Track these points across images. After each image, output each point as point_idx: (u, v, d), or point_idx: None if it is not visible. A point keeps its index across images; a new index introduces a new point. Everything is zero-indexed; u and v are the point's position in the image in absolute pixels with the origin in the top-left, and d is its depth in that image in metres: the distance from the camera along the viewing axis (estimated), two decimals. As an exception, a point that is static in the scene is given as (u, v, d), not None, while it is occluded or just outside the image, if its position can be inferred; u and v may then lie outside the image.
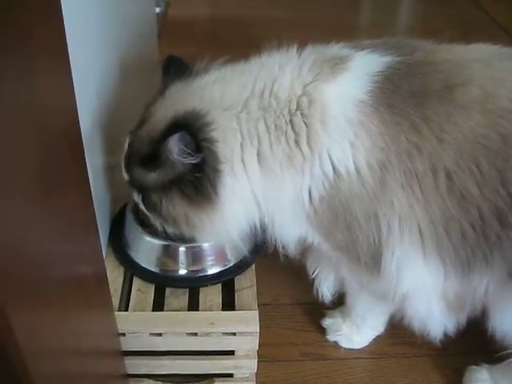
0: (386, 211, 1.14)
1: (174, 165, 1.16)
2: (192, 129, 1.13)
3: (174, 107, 1.19)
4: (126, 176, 1.29)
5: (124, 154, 1.28)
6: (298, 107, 1.13)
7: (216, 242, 1.34)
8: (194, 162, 1.14)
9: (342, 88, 1.14)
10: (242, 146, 1.16)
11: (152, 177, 1.21)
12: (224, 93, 1.18)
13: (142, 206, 1.30)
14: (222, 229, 1.25)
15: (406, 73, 1.13)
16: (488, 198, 1.09)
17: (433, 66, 1.14)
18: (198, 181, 1.16)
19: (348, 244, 1.21)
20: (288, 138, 1.13)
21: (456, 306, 1.27)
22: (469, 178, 1.09)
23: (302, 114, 1.12)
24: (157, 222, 1.32)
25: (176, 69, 1.29)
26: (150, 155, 1.19)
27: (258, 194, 1.19)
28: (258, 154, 1.15)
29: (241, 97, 1.17)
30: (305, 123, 1.12)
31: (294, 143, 1.13)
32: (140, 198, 1.28)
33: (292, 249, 1.30)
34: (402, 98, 1.10)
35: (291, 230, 1.25)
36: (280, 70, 1.17)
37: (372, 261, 1.21)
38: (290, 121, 1.13)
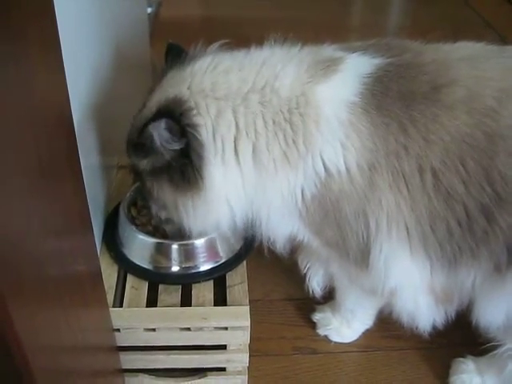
0: (375, 210, 1.16)
1: (161, 152, 1.18)
2: (174, 115, 1.15)
3: (162, 95, 1.21)
4: (128, 161, 1.32)
5: (126, 139, 1.30)
6: (297, 106, 1.15)
7: (203, 231, 1.35)
8: (177, 147, 1.16)
9: (334, 90, 1.16)
10: (236, 137, 1.17)
11: (143, 163, 1.24)
12: (218, 82, 1.19)
13: (142, 192, 1.33)
14: (207, 217, 1.26)
15: (395, 74, 1.15)
16: (474, 196, 1.11)
17: (420, 67, 1.16)
18: (185, 167, 1.18)
19: (338, 240, 1.23)
20: (286, 135, 1.15)
21: (443, 300, 1.30)
22: (455, 176, 1.11)
23: (299, 113, 1.14)
24: (155, 209, 1.34)
25: (174, 56, 1.30)
26: (138, 142, 1.21)
27: (249, 188, 1.20)
28: (254, 149, 1.17)
29: (240, 90, 1.17)
30: (302, 122, 1.14)
31: (292, 142, 1.15)
32: (139, 182, 1.32)
33: (281, 245, 1.32)
34: (391, 99, 1.13)
35: (282, 226, 1.26)
36: (282, 68, 1.19)
37: (361, 257, 1.23)
38: (290, 119, 1.15)
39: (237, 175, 1.19)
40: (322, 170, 1.15)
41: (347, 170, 1.14)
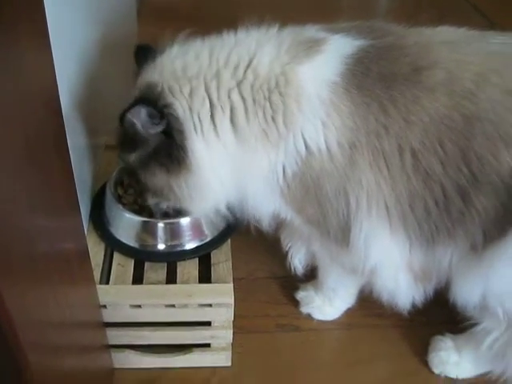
0: (355, 188, 1.18)
1: (146, 138, 1.21)
2: (149, 99, 1.18)
3: (136, 87, 1.24)
4: (120, 163, 1.35)
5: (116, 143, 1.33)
6: (277, 85, 1.17)
7: (204, 210, 1.37)
8: (160, 129, 1.19)
9: (316, 70, 1.18)
10: (212, 112, 1.20)
11: (133, 157, 1.26)
12: (188, 64, 1.21)
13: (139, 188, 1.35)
14: (204, 195, 1.28)
15: (376, 56, 1.17)
16: (451, 176, 1.14)
17: (402, 49, 1.18)
18: (170, 147, 1.21)
19: (319, 218, 1.25)
20: (266, 113, 1.17)
21: (422, 278, 1.33)
22: (433, 157, 1.13)
23: (279, 93, 1.16)
24: (153, 202, 1.37)
25: (145, 56, 1.32)
26: (123, 137, 1.25)
27: (234, 162, 1.23)
28: (232, 122, 1.19)
29: (211, 67, 1.20)
30: (282, 102, 1.16)
31: (271, 119, 1.17)
32: (134, 180, 1.33)
33: (266, 223, 1.35)
34: (372, 80, 1.15)
35: (265, 204, 1.29)
36: (258, 47, 1.21)
37: (341, 235, 1.26)
38: (269, 97, 1.17)
39: (219, 148, 1.21)
40: (303, 148, 1.17)
41: (328, 148, 1.16)
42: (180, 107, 1.19)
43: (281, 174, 1.21)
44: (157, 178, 1.26)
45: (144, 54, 1.33)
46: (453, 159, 1.13)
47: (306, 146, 1.17)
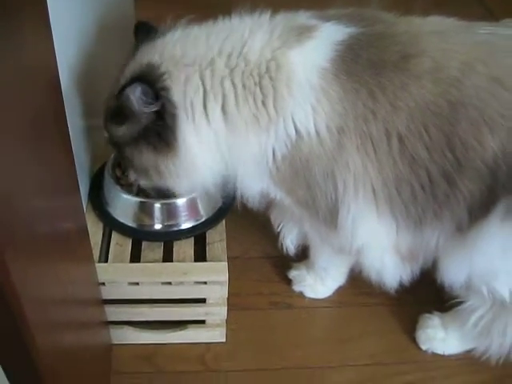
0: (342, 171, 1.22)
1: (139, 115, 1.23)
2: (149, 79, 1.20)
3: (136, 65, 1.26)
4: (105, 134, 1.36)
5: (103, 113, 1.35)
6: (267, 71, 1.19)
7: (189, 190, 1.41)
8: (154, 109, 1.21)
9: (306, 55, 1.20)
10: (204, 99, 1.22)
11: (122, 131, 1.28)
12: (186, 50, 1.24)
13: (122, 163, 1.38)
14: (190, 175, 1.31)
15: (366, 43, 1.20)
16: (436, 161, 1.18)
17: (391, 37, 1.21)
18: (161, 128, 1.23)
19: (308, 200, 1.29)
20: (256, 98, 1.20)
21: (409, 258, 1.37)
22: (419, 142, 1.17)
23: (270, 77, 1.19)
24: (133, 177, 1.40)
25: (145, 33, 1.34)
26: (115, 110, 1.27)
27: (223, 147, 1.26)
28: (223, 110, 1.22)
29: (206, 56, 1.22)
30: (272, 86, 1.19)
31: (262, 104, 1.20)
32: (118, 153, 1.36)
33: (256, 202, 1.38)
34: (361, 66, 1.18)
35: (254, 184, 1.32)
36: (250, 35, 1.23)
37: (330, 216, 1.30)
38: (259, 82, 1.20)
39: (209, 135, 1.24)
40: (293, 131, 1.20)
41: (317, 132, 1.20)
42: (176, 92, 1.22)
43: (271, 156, 1.24)
44: (143, 156, 1.29)
45: (144, 30, 1.35)
46: (438, 144, 1.17)
47: (296, 130, 1.20)
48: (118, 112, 1.26)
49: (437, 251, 1.34)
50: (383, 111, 1.17)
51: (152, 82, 1.21)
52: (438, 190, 1.20)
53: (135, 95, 1.20)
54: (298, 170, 1.24)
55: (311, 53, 1.21)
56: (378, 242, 1.33)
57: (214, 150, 1.27)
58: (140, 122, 1.24)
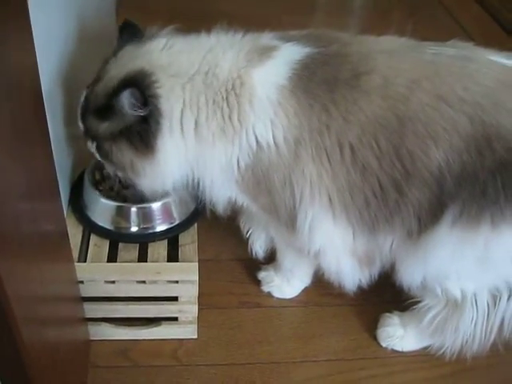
0: (299, 179, 1.30)
1: (125, 117, 1.29)
2: (141, 85, 1.27)
3: (125, 67, 1.32)
4: (81, 126, 1.41)
5: (80, 106, 1.40)
6: (233, 87, 1.28)
7: (152, 189, 1.44)
8: (142, 114, 1.28)
9: (266, 74, 1.29)
10: (182, 111, 1.30)
11: (104, 126, 1.33)
12: (172, 61, 1.31)
13: (96, 154, 1.42)
14: (158, 177, 1.37)
15: (321, 62, 1.28)
16: (386, 170, 1.27)
17: (345, 57, 1.30)
18: (144, 131, 1.29)
19: (270, 206, 1.38)
20: (223, 113, 1.29)
21: (366, 262, 1.46)
22: (369, 152, 1.26)
23: (235, 94, 1.28)
24: (110, 169, 1.45)
25: (130, 33, 1.40)
26: (103, 107, 1.32)
27: (190, 157, 1.33)
28: (196, 123, 1.30)
29: (188, 71, 1.30)
30: (237, 101, 1.28)
31: (228, 118, 1.28)
32: (94, 146, 1.40)
33: (221, 208, 1.46)
34: (316, 84, 1.27)
35: (222, 191, 1.40)
36: (223, 55, 1.31)
37: (290, 221, 1.38)
38: (226, 98, 1.28)
39: (180, 144, 1.32)
40: (254, 143, 1.29)
41: (275, 143, 1.28)
42: (163, 101, 1.28)
43: (235, 166, 1.32)
44: (122, 153, 1.34)
45: (130, 31, 1.41)
46: (387, 155, 1.25)
47: (257, 141, 1.29)
48: (105, 110, 1.31)
49: (392, 255, 1.42)
50: (336, 124, 1.26)
51: (144, 88, 1.27)
52: (389, 198, 1.29)
53: (128, 99, 1.26)
54: (260, 178, 1.33)
55: (271, 71, 1.29)
56: (334, 245, 1.41)
57: (183, 160, 1.34)
58: (124, 122, 1.30)
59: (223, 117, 1.29)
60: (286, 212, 1.37)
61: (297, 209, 1.35)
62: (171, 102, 1.29)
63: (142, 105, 1.26)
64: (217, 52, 1.32)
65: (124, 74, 1.30)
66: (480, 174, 1.23)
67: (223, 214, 1.49)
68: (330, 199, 1.32)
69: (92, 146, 1.41)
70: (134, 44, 1.38)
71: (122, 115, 1.29)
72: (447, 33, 2.97)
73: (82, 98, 1.39)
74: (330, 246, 1.41)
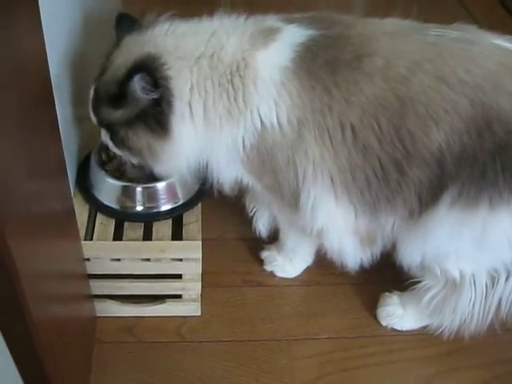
0: (302, 159, 1.33)
1: (138, 101, 1.31)
2: (150, 69, 1.29)
3: (131, 54, 1.34)
4: (94, 118, 1.43)
5: (91, 99, 1.42)
6: (238, 70, 1.30)
7: (168, 173, 1.50)
8: (154, 97, 1.30)
9: (270, 55, 1.31)
10: (191, 92, 1.32)
11: (119, 114, 1.35)
12: (177, 44, 1.33)
13: (110, 144, 1.44)
14: (175, 159, 1.40)
15: (323, 44, 1.30)
16: (387, 151, 1.29)
17: (347, 39, 1.31)
18: (158, 113, 1.32)
19: (274, 185, 1.40)
20: (229, 95, 1.31)
21: (368, 241, 1.48)
22: (370, 133, 1.28)
23: (240, 76, 1.30)
24: (124, 156, 1.47)
25: (127, 24, 1.42)
26: (116, 95, 1.34)
27: (200, 139, 1.36)
28: (204, 106, 1.32)
29: (194, 53, 1.32)
30: (241, 83, 1.30)
31: (234, 100, 1.31)
32: (108, 135, 1.42)
33: (228, 187, 1.48)
34: (318, 65, 1.28)
35: (228, 171, 1.43)
36: (227, 38, 1.33)
37: (293, 201, 1.41)
38: (231, 80, 1.31)
39: (191, 127, 1.34)
40: (259, 123, 1.31)
41: (279, 123, 1.30)
42: (174, 82, 1.30)
43: (241, 145, 1.35)
44: (139, 137, 1.36)
45: (125, 22, 1.43)
46: (388, 135, 1.27)
47: (261, 122, 1.31)
48: (117, 97, 1.33)
49: (393, 235, 1.44)
50: (338, 105, 1.28)
51: (154, 71, 1.29)
52: (390, 178, 1.31)
53: (140, 84, 1.28)
54: (264, 158, 1.35)
55: (274, 53, 1.31)
56: (336, 224, 1.43)
57: (194, 142, 1.37)
58: (137, 107, 1.32)
59: (229, 99, 1.31)
60: (289, 191, 1.40)
61: (300, 188, 1.37)
62: (181, 83, 1.31)
63: (153, 88, 1.28)
64: (221, 35, 1.34)
65: (132, 60, 1.32)
66: (479, 155, 1.24)
67: (230, 193, 1.52)
68: (331, 179, 1.34)
69: (106, 136, 1.44)
70: (135, 33, 1.39)
71: (135, 100, 1.31)
72: (452, 16, 2.97)
73: (92, 91, 1.41)
74: (332, 225, 1.43)
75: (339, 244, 1.49)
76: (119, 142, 1.41)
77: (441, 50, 1.30)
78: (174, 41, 1.34)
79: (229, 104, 1.32)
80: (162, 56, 1.31)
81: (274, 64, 1.30)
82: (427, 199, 1.33)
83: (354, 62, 1.28)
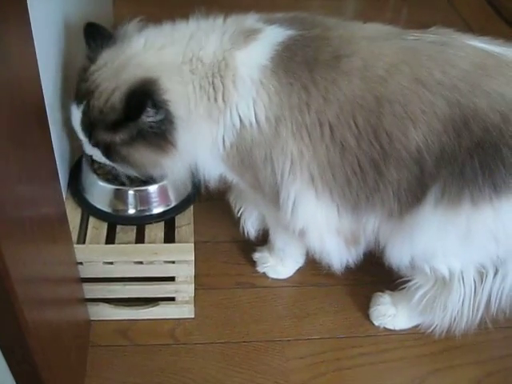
0: (279, 156, 1.34)
1: (140, 123, 1.30)
2: (151, 95, 1.28)
3: (120, 76, 1.32)
4: (85, 139, 1.40)
5: (80, 123, 1.37)
6: (218, 70, 1.32)
7: (172, 179, 1.50)
8: (157, 119, 1.29)
9: (249, 55, 1.33)
10: (188, 103, 1.32)
11: (118, 136, 1.34)
12: (161, 59, 1.33)
13: (106, 161, 1.42)
14: (179, 166, 1.40)
15: (302, 44, 1.32)
16: (364, 150, 1.30)
17: (326, 40, 1.33)
18: (161, 132, 1.31)
19: (255, 182, 1.42)
20: (209, 96, 1.32)
21: (352, 241, 1.50)
22: (348, 131, 1.29)
23: (220, 76, 1.32)
24: (122, 169, 1.45)
25: (97, 35, 1.39)
26: (117, 121, 1.32)
27: (186, 141, 1.35)
28: (188, 111, 1.33)
29: (174, 63, 1.33)
30: (221, 83, 1.32)
31: (214, 100, 1.32)
32: (105, 155, 1.39)
33: (213, 185, 1.49)
34: (296, 64, 1.30)
35: (213, 169, 1.44)
36: (206, 40, 1.34)
37: (274, 198, 1.42)
38: (212, 82, 1.32)
39: (189, 134, 1.35)
40: (238, 121, 1.33)
41: (257, 121, 1.32)
42: (173, 103, 1.30)
43: (221, 144, 1.36)
44: (140, 154, 1.35)
45: (94, 32, 1.40)
46: (365, 134, 1.29)
47: (240, 120, 1.33)
48: (120, 123, 1.31)
49: (376, 235, 1.46)
50: (316, 103, 1.29)
51: (153, 95, 1.28)
52: (368, 177, 1.32)
53: (147, 111, 1.28)
54: (244, 156, 1.37)
55: (254, 52, 1.33)
56: (317, 223, 1.44)
57: (192, 145, 1.37)
58: (139, 128, 1.31)
59: (209, 100, 1.33)
60: (269, 189, 1.41)
61: (278, 185, 1.39)
62: (177, 99, 1.31)
63: (156, 110, 1.28)
64: (199, 38, 1.35)
65: (126, 86, 1.30)
66: (458, 154, 1.26)
67: (218, 189, 1.53)
68: (311, 176, 1.35)
69: (98, 153, 1.41)
70: (110, 48, 1.37)
71: (138, 123, 1.31)
72: (442, 16, 3.00)
73: (79, 114, 1.37)
74: (313, 224, 1.44)
75: (321, 243, 1.50)
76: (117, 159, 1.39)
77: (418, 52, 1.31)
78: (155, 56, 1.34)
79: (209, 105, 1.33)
80: (159, 79, 1.29)
81: (253, 63, 1.32)
82: (407, 200, 1.34)
83: (333, 62, 1.30)
